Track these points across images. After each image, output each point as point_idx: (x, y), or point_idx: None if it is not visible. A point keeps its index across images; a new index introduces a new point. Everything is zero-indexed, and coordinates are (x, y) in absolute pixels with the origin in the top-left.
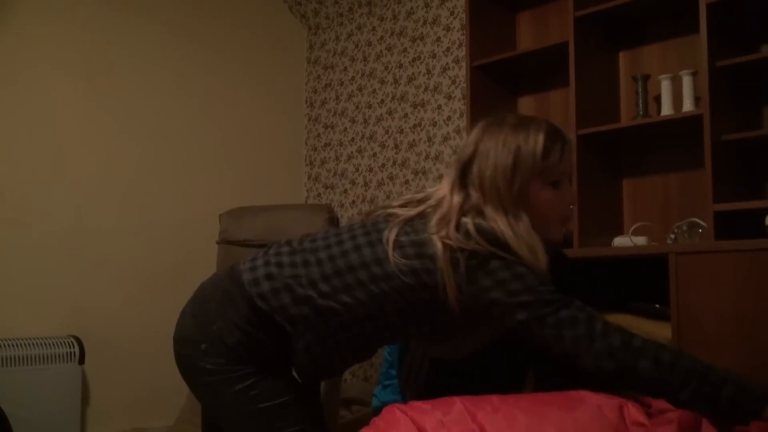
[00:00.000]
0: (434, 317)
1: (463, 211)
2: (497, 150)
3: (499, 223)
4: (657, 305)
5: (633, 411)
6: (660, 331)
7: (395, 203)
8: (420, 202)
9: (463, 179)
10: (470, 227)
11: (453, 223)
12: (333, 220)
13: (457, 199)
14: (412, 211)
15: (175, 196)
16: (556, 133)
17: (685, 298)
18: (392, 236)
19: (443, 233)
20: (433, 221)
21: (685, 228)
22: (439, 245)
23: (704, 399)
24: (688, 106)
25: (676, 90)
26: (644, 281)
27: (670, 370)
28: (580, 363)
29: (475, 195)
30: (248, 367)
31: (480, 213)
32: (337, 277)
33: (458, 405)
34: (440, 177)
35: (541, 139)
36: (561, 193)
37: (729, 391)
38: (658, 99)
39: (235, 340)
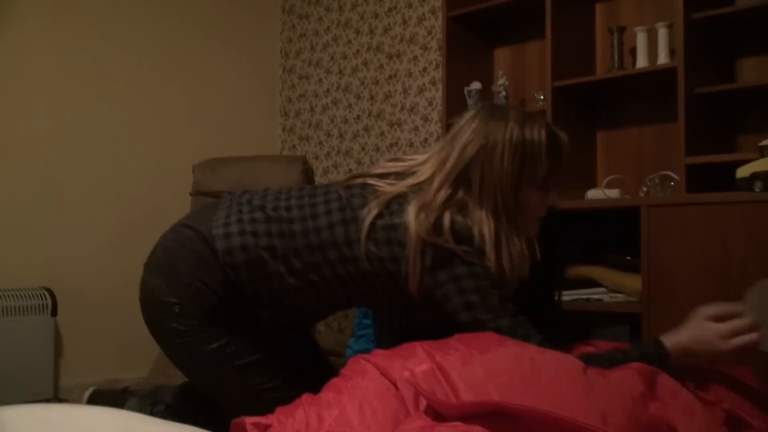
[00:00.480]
0: (394, 299)
1: (445, 206)
2: (504, 145)
3: (484, 227)
4: (628, 257)
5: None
6: (630, 282)
7: (374, 171)
8: (399, 176)
9: (463, 175)
10: (446, 223)
11: (432, 216)
12: (308, 172)
13: (443, 194)
14: (391, 189)
15: (147, 147)
16: (552, 129)
17: (656, 250)
18: (369, 218)
19: (419, 224)
20: (412, 207)
21: (657, 181)
22: (412, 235)
23: None
24: (663, 58)
25: (652, 42)
26: (617, 233)
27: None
28: None
29: (465, 192)
30: (222, 327)
31: (463, 208)
32: (309, 252)
33: (419, 349)
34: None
35: (543, 135)
36: (548, 196)
37: (634, 352)
38: (633, 51)
39: (210, 304)
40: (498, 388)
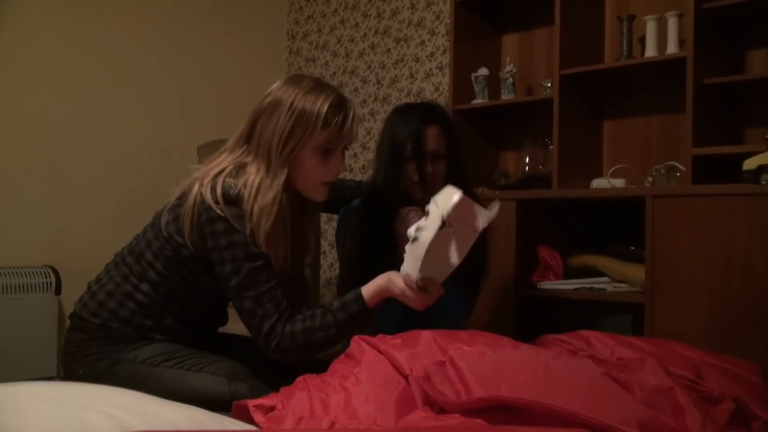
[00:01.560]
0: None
1: (224, 169)
2: (283, 108)
3: (253, 177)
4: (632, 247)
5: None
6: (634, 272)
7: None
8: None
9: (250, 132)
10: (218, 184)
11: (209, 179)
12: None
13: (227, 157)
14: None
15: (152, 127)
16: (342, 105)
17: (660, 240)
18: (170, 203)
19: (197, 189)
20: (197, 175)
21: (663, 171)
22: (189, 202)
23: (336, 337)
24: (672, 48)
25: (661, 31)
26: (621, 223)
27: (307, 349)
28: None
29: (247, 152)
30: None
31: (241, 168)
32: (137, 263)
33: (429, 339)
34: None
35: (325, 108)
36: (330, 161)
37: (341, 315)
38: (642, 40)
39: None
40: (510, 391)
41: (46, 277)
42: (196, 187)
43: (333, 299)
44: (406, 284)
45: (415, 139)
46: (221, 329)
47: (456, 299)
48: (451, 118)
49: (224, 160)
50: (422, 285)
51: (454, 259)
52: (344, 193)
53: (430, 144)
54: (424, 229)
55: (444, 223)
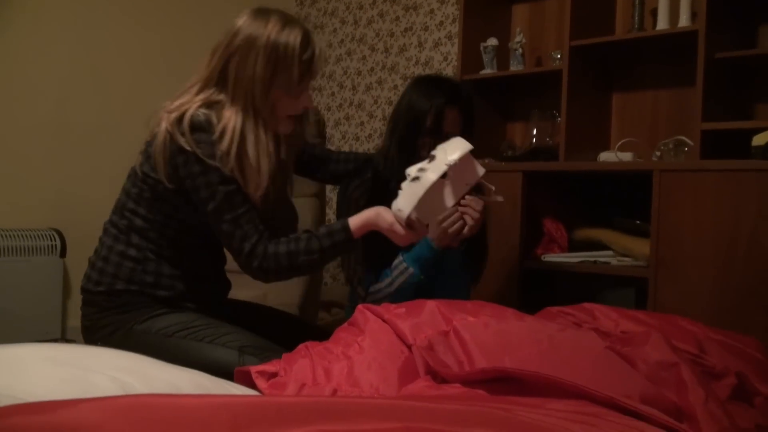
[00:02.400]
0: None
1: (193, 104)
2: (258, 50)
3: (230, 123)
4: (638, 221)
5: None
6: (639, 246)
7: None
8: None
9: (222, 73)
10: (186, 116)
11: (176, 114)
12: (319, 123)
13: (196, 95)
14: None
15: (159, 92)
16: (309, 40)
17: (666, 215)
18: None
19: (165, 125)
20: (164, 113)
21: (671, 146)
22: (159, 138)
23: (319, 262)
24: (684, 21)
25: (674, 4)
26: (628, 197)
27: (289, 269)
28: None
29: (220, 91)
30: None
31: (213, 105)
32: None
33: (434, 309)
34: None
35: (297, 46)
36: (301, 96)
37: (326, 241)
38: (654, 12)
39: None
40: (514, 363)
41: (51, 240)
42: (164, 124)
43: (322, 231)
44: (396, 220)
45: (435, 116)
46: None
47: (460, 286)
48: (473, 104)
49: (192, 100)
50: (410, 223)
51: (447, 203)
52: (348, 165)
53: (447, 125)
54: (427, 171)
55: (447, 170)
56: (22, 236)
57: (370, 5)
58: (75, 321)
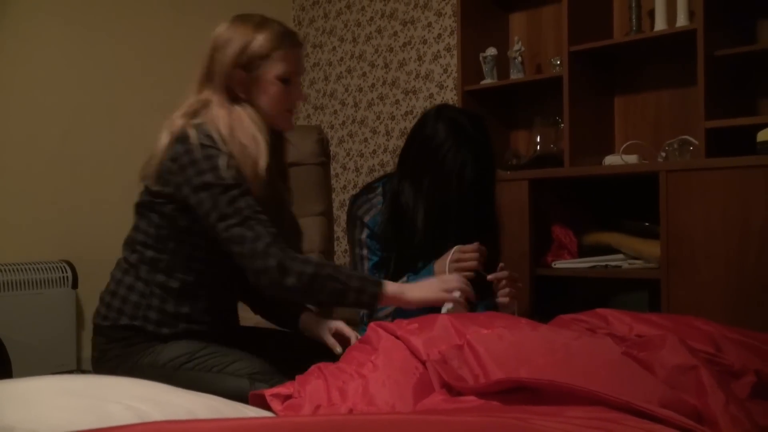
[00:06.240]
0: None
1: (187, 112)
2: (237, 41)
3: (219, 120)
4: (647, 223)
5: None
6: (649, 248)
7: None
8: None
9: (209, 70)
10: (188, 133)
11: (174, 129)
12: (323, 142)
13: (189, 100)
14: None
15: (164, 120)
16: (290, 34)
17: (675, 215)
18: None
19: (162, 143)
20: (164, 128)
21: (676, 146)
22: (159, 151)
23: (338, 294)
24: (682, 20)
25: (671, 4)
26: (635, 199)
27: (310, 281)
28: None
29: (209, 89)
30: None
31: (205, 106)
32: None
33: (444, 322)
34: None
35: (276, 37)
36: (290, 89)
37: (355, 282)
38: (651, 14)
39: None
40: (529, 373)
41: (62, 272)
42: (165, 137)
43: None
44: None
45: (475, 175)
46: (245, 325)
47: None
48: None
49: (186, 110)
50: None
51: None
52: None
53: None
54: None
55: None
56: (34, 269)
57: (368, 22)
58: (89, 352)
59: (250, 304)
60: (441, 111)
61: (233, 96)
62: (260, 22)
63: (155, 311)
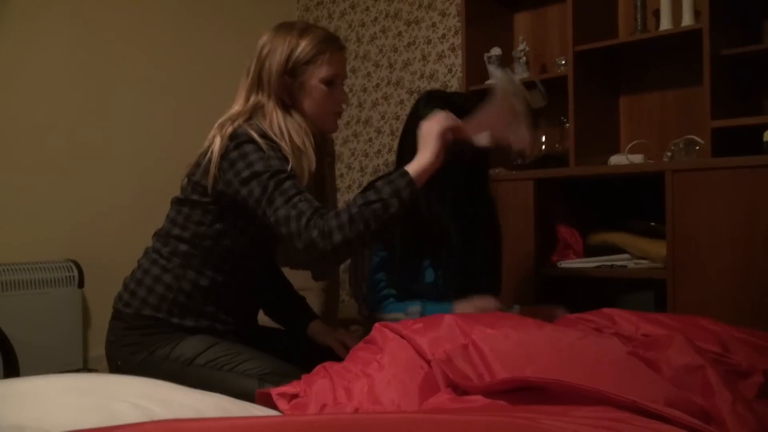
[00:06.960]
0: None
1: (239, 115)
2: (283, 47)
3: (274, 119)
4: (652, 223)
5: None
6: (655, 248)
7: None
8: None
9: (258, 78)
10: (234, 131)
11: (228, 127)
12: (328, 141)
13: (240, 104)
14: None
15: (170, 119)
16: (333, 38)
17: (681, 215)
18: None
19: (217, 139)
20: (215, 130)
21: (682, 145)
22: (214, 150)
23: (383, 211)
24: (687, 20)
25: (676, 3)
26: (640, 199)
27: (351, 223)
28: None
29: (260, 94)
30: None
31: (258, 110)
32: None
33: (449, 322)
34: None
35: (320, 41)
36: (334, 91)
37: (386, 190)
38: (657, 13)
39: None
40: (535, 372)
41: (68, 271)
42: (216, 139)
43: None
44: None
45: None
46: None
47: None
48: None
49: (239, 112)
50: (460, 126)
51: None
52: None
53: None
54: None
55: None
56: (40, 269)
57: (372, 22)
58: (96, 350)
59: (263, 307)
60: (431, 94)
61: (282, 102)
62: (304, 29)
63: (181, 306)
